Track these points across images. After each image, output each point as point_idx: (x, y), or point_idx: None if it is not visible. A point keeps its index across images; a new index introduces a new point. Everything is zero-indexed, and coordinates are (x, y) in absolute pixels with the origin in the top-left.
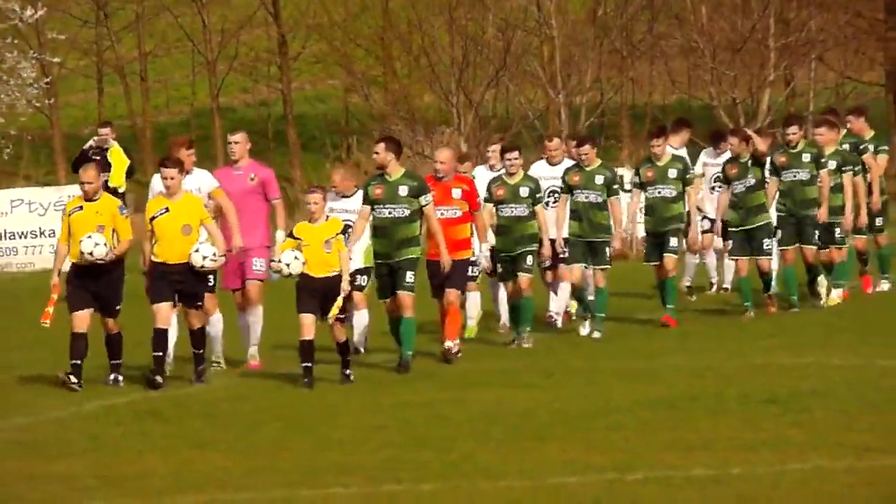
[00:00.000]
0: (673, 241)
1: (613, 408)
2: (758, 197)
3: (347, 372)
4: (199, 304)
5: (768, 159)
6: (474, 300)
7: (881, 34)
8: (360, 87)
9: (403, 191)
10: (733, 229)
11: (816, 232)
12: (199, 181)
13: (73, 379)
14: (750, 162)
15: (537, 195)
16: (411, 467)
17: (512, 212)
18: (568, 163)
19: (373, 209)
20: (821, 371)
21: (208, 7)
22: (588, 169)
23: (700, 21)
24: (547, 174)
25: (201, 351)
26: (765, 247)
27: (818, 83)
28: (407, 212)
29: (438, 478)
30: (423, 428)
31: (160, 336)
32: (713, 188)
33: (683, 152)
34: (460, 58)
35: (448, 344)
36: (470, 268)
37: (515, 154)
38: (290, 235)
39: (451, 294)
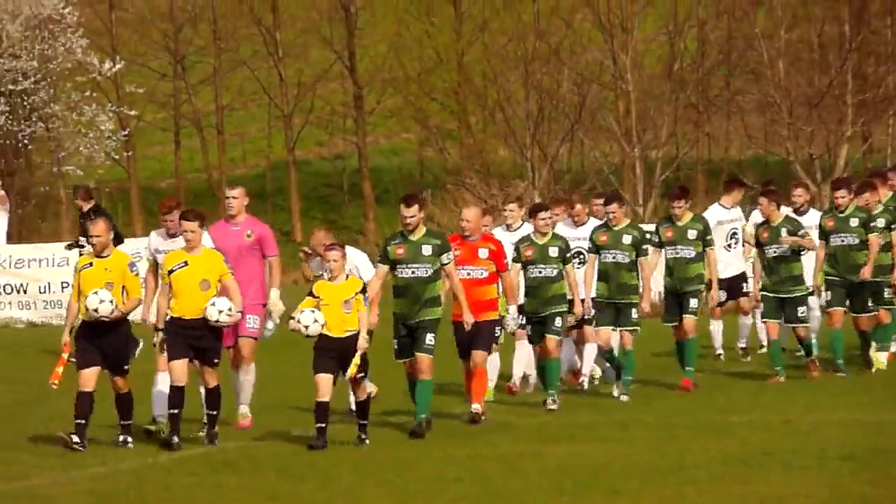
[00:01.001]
0: (693, 303)
1: (687, 463)
2: (795, 267)
3: (363, 436)
4: (216, 360)
5: (817, 224)
6: (493, 363)
7: None
8: (434, 140)
9: (427, 250)
10: (766, 293)
11: (870, 299)
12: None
13: (75, 439)
14: (784, 230)
15: (567, 255)
16: None
17: (541, 272)
18: (593, 223)
19: (394, 269)
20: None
21: (284, 61)
22: (616, 228)
23: (777, 76)
24: (570, 235)
25: (215, 412)
26: (799, 314)
27: None
28: (430, 271)
29: None
30: (498, 481)
31: (176, 394)
32: (728, 246)
33: (736, 212)
34: (535, 112)
35: (475, 407)
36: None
37: (548, 214)
38: (310, 294)
39: (478, 356)
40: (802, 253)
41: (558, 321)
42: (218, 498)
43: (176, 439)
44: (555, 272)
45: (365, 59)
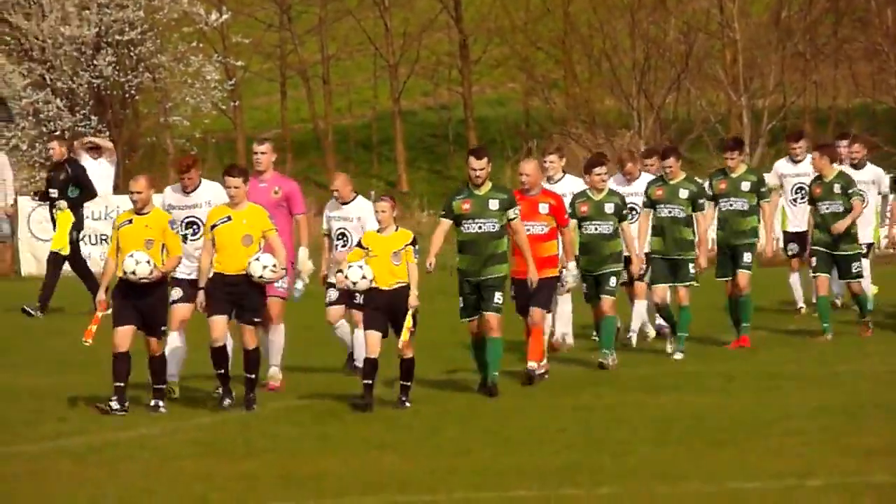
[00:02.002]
0: (746, 257)
1: (792, 413)
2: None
3: (405, 399)
4: (257, 319)
5: (871, 179)
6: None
7: None
8: (540, 90)
9: (493, 204)
10: (817, 248)
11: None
12: (211, 194)
13: (114, 406)
14: (838, 187)
15: (623, 211)
16: (590, 470)
17: (596, 229)
18: (646, 177)
19: (459, 224)
20: None
21: (390, 11)
22: (672, 183)
23: (885, 23)
24: (622, 192)
25: (254, 375)
26: (854, 270)
27: None
28: (496, 226)
29: (617, 481)
30: (602, 431)
31: (219, 354)
32: (794, 200)
33: (804, 166)
34: (642, 61)
35: (532, 364)
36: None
37: (604, 169)
38: (359, 245)
39: (536, 314)
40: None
41: (613, 280)
42: (324, 447)
43: (228, 401)
44: (611, 229)
45: (471, 9)
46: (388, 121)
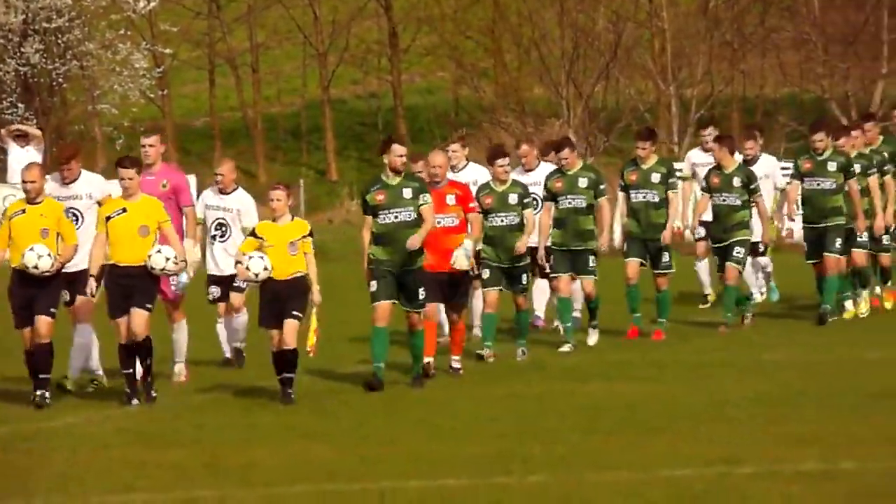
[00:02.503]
0: (665, 257)
1: (723, 401)
2: (742, 215)
3: (290, 391)
4: (149, 305)
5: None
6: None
7: None
8: (469, 79)
9: (407, 193)
10: (715, 244)
11: (837, 241)
12: (92, 186)
13: (39, 396)
14: (737, 179)
15: (525, 200)
16: (520, 459)
17: (503, 221)
18: (546, 167)
19: (376, 216)
20: None
21: None
22: (570, 173)
23: (812, 13)
24: (524, 181)
25: (148, 363)
26: (735, 254)
27: None
28: (413, 215)
29: (547, 469)
30: (533, 420)
31: (126, 353)
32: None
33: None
34: (570, 50)
35: (456, 359)
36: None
37: (506, 160)
38: (252, 234)
39: (457, 310)
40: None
41: (524, 277)
42: (251, 437)
43: (136, 402)
44: (516, 220)
45: None
46: (317, 109)
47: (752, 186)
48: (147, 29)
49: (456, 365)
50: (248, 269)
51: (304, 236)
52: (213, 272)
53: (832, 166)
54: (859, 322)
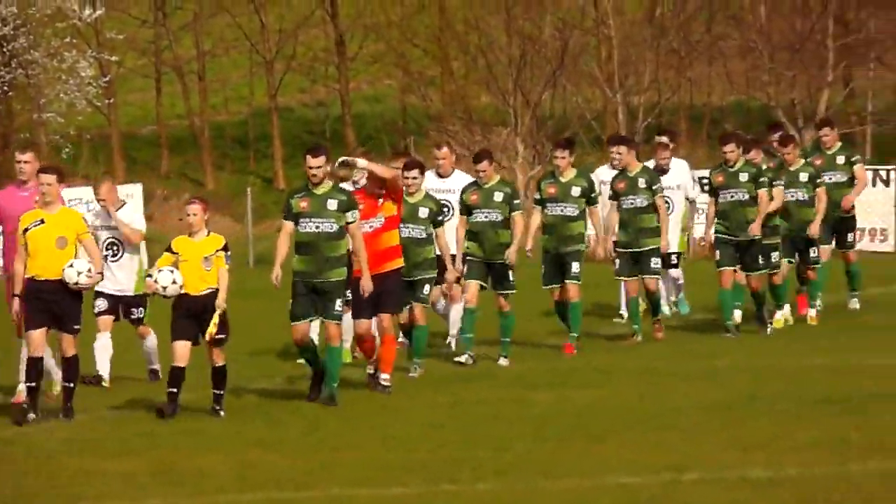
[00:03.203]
0: (575, 266)
1: (670, 408)
2: (649, 220)
3: (217, 407)
4: (76, 327)
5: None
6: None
7: None
8: (417, 87)
9: (332, 205)
10: (619, 249)
11: (760, 257)
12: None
13: (27, 409)
14: (643, 182)
15: (438, 217)
16: (469, 466)
17: (409, 234)
18: (459, 175)
19: (297, 223)
20: (880, 372)
21: (266, 7)
22: (486, 187)
23: (758, 21)
24: (437, 187)
25: (72, 385)
26: (652, 265)
27: (877, 83)
28: (335, 227)
29: (495, 477)
30: (481, 427)
31: (35, 366)
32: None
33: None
34: (517, 57)
35: (385, 377)
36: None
37: (415, 173)
38: (168, 250)
39: (387, 321)
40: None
41: (426, 288)
42: (202, 444)
43: (33, 415)
44: (423, 234)
45: (346, 5)
46: (264, 117)
47: (654, 187)
48: (93, 37)
49: (385, 383)
50: (156, 281)
51: (219, 250)
52: (104, 289)
53: (744, 177)
54: (805, 329)
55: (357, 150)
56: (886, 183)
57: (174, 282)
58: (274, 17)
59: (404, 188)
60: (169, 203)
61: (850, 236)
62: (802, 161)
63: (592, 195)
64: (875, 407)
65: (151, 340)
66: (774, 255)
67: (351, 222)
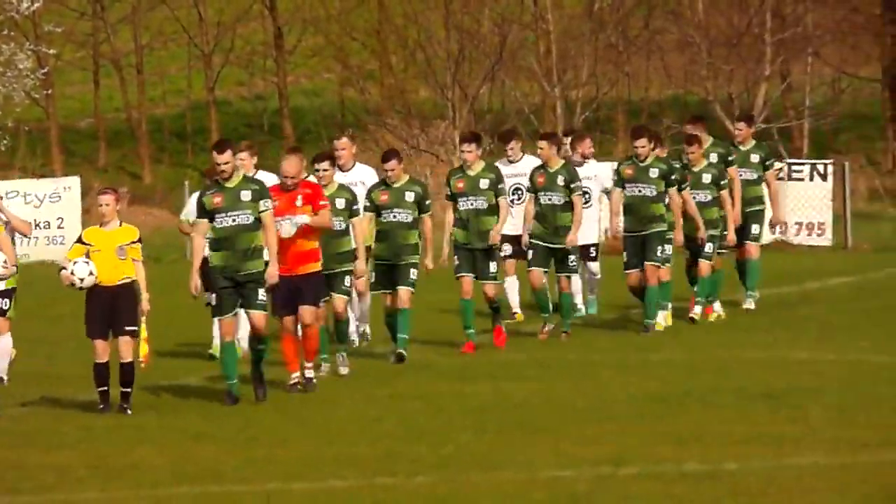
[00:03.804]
0: (492, 267)
1: (607, 401)
2: (566, 217)
3: (125, 405)
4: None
5: (594, 175)
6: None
7: (878, 29)
8: (355, 80)
9: (245, 196)
10: (535, 241)
11: (658, 248)
12: None
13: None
14: (561, 179)
15: (353, 207)
16: (407, 460)
17: (472, 205)
18: (361, 168)
19: (213, 219)
20: (816, 366)
21: (204, 0)
22: (396, 186)
23: (696, 16)
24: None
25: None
26: (570, 263)
27: (814, 78)
28: (251, 218)
29: (433, 470)
30: (419, 420)
31: None
32: (512, 201)
33: (521, 166)
34: (456, 52)
35: (310, 373)
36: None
37: (326, 164)
38: (79, 241)
39: (307, 313)
40: (588, 205)
41: (347, 280)
42: (140, 438)
43: None
44: (485, 205)
45: None
46: (202, 111)
47: (573, 185)
48: (31, 29)
49: (309, 374)
50: (72, 273)
51: (133, 242)
52: None
53: (654, 173)
54: (743, 322)
55: (242, 143)
56: (824, 177)
57: (91, 273)
58: (213, 11)
59: (318, 179)
60: None
61: (754, 227)
62: (706, 162)
63: (500, 186)
64: (811, 401)
65: (7, 340)
66: (667, 249)
67: (263, 211)
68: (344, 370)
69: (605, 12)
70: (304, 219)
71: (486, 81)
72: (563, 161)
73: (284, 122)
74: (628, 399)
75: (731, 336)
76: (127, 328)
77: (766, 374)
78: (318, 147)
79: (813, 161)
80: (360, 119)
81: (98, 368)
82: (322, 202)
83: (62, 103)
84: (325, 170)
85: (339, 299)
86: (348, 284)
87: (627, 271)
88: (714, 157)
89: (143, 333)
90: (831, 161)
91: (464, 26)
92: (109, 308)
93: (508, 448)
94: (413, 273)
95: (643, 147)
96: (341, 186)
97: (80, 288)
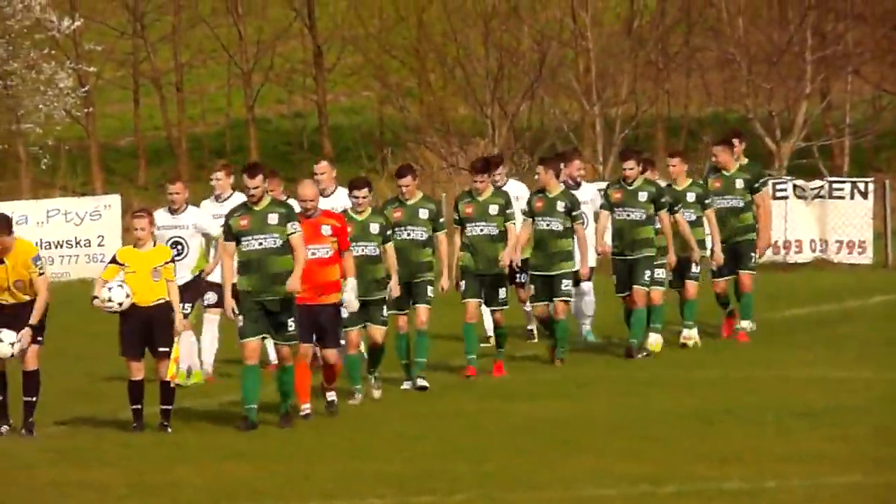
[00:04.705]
0: (502, 293)
1: (647, 419)
2: (566, 243)
3: (166, 423)
4: (39, 339)
5: (590, 199)
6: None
7: None
8: (394, 98)
9: (273, 219)
10: (535, 272)
11: (647, 272)
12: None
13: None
14: (562, 206)
15: (387, 233)
16: (446, 478)
17: (482, 231)
18: (342, 193)
19: (239, 242)
20: (856, 384)
21: (244, 18)
22: (410, 203)
23: (736, 33)
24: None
25: (34, 398)
26: (563, 287)
27: (854, 96)
28: (278, 242)
29: (473, 488)
30: (459, 438)
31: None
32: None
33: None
34: (495, 69)
35: (331, 395)
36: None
37: (364, 192)
38: (113, 261)
39: (331, 355)
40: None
41: (385, 309)
42: (179, 456)
43: (6, 427)
44: (495, 231)
45: (324, 17)
46: (242, 129)
47: (574, 213)
48: (71, 48)
49: (330, 397)
50: (110, 299)
51: (167, 262)
52: None
53: (643, 196)
54: (783, 340)
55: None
56: (864, 195)
57: (128, 295)
58: (252, 29)
59: (354, 206)
60: None
61: (752, 257)
62: (689, 181)
63: (508, 212)
64: (852, 420)
65: None
66: (660, 273)
67: (291, 234)
68: (377, 393)
69: (645, 29)
70: (353, 283)
71: (526, 99)
72: (562, 186)
73: (324, 140)
74: (668, 417)
75: (771, 354)
76: (162, 349)
77: (806, 392)
78: (359, 165)
79: (853, 179)
80: (398, 137)
81: (132, 386)
82: (348, 241)
83: (102, 122)
84: (363, 197)
85: (376, 330)
86: (385, 314)
87: (619, 295)
88: (740, 183)
89: (175, 353)
90: (872, 179)
91: (503, 44)
92: (145, 328)
93: (548, 466)
94: (429, 291)
95: (631, 169)
96: (374, 211)
97: (118, 311)
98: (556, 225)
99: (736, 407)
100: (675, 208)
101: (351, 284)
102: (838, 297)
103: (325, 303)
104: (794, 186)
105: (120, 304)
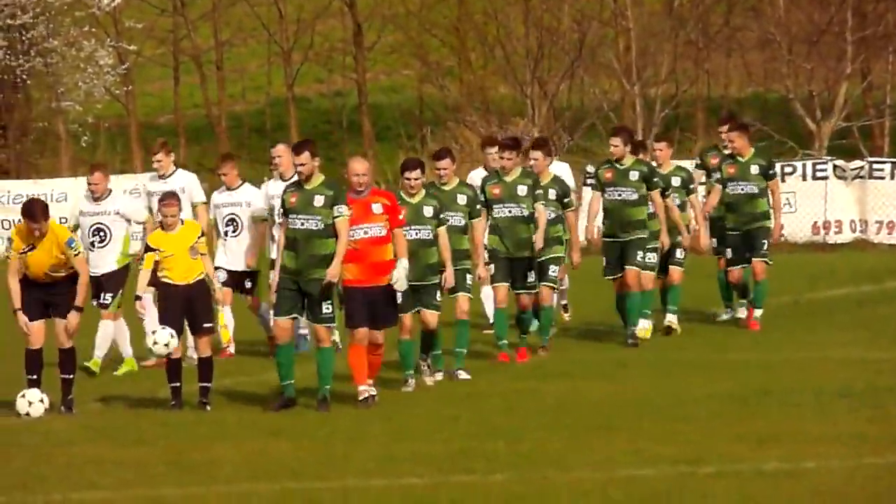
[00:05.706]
0: (530, 276)
1: (685, 400)
2: (554, 229)
3: (205, 401)
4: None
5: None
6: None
7: None
8: (434, 77)
9: (319, 201)
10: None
11: (639, 254)
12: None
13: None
14: (553, 193)
15: (441, 216)
16: (483, 458)
17: (510, 212)
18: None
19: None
20: (895, 365)
21: None
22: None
23: (777, 13)
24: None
25: (71, 376)
26: (550, 273)
27: (895, 76)
28: (321, 224)
29: (510, 468)
30: (496, 418)
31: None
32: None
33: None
34: (535, 49)
35: (365, 387)
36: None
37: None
38: (148, 249)
39: (379, 336)
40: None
41: (438, 294)
42: (218, 434)
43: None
44: (526, 212)
45: None
46: (281, 107)
47: (566, 200)
48: (111, 26)
49: (370, 390)
50: (156, 342)
51: (200, 237)
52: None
53: (634, 176)
54: (824, 320)
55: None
56: None
57: (172, 335)
58: (293, 7)
59: (406, 188)
60: None
61: (764, 244)
62: (674, 165)
63: (537, 192)
64: (891, 400)
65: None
66: (651, 257)
67: (337, 217)
68: (430, 381)
69: (685, 9)
70: (405, 264)
71: (566, 79)
72: (553, 174)
73: (363, 119)
74: (706, 398)
75: (810, 335)
76: (205, 325)
77: (844, 373)
78: (398, 144)
79: (894, 160)
80: (438, 115)
81: (170, 364)
82: (400, 217)
83: (142, 100)
84: (416, 178)
85: (430, 315)
86: (439, 298)
87: (607, 278)
88: (755, 169)
89: (222, 321)
90: None
91: (543, 23)
92: (185, 307)
93: (585, 446)
94: (468, 279)
95: (616, 146)
96: (427, 195)
97: (168, 354)
98: (549, 213)
99: (774, 388)
100: (667, 193)
101: (403, 264)
102: (878, 278)
103: (379, 284)
104: (835, 167)
105: (167, 345)
